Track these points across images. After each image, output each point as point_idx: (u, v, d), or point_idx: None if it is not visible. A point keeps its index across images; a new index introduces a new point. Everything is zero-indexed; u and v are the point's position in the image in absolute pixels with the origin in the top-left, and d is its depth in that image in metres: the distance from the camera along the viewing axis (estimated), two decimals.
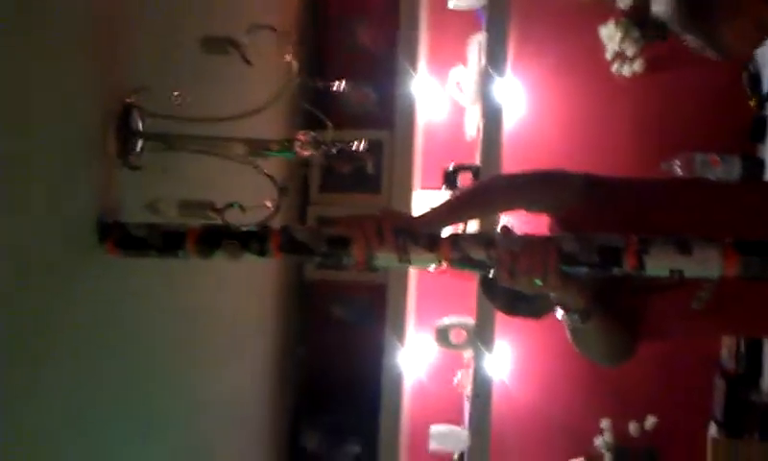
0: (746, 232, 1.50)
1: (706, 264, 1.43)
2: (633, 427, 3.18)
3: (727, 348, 3.01)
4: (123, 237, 1.59)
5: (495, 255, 1.44)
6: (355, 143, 1.88)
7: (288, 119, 2.78)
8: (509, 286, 1.47)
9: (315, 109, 2.09)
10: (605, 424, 3.21)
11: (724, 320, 1.79)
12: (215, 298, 2.35)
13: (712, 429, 2.93)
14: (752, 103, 3.21)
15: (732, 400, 2.84)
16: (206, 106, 1.91)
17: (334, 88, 2.36)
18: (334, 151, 1.89)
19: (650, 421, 3.17)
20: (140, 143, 1.74)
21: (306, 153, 1.81)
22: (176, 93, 1.81)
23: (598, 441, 3.21)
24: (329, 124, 1.89)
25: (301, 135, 1.83)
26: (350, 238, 1.48)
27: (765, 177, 3.12)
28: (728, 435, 2.81)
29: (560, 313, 1.62)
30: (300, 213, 3.36)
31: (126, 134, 1.71)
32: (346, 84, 2.74)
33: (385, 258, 1.48)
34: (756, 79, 3.17)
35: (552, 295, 1.55)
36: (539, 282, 1.43)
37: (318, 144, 1.85)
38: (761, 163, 3.18)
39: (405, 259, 1.49)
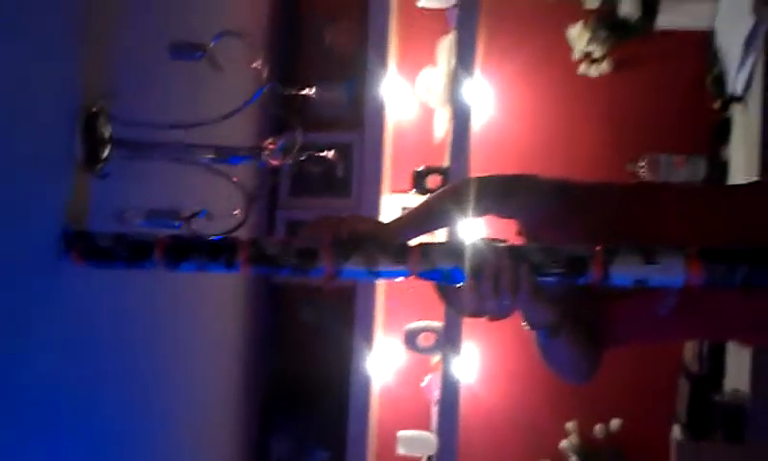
0: (721, 238, 1.51)
1: (670, 273, 1.43)
2: (598, 429, 3.20)
3: (690, 349, 3.04)
4: (89, 248, 1.57)
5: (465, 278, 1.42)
6: (324, 152, 1.88)
7: (258, 125, 2.77)
8: (474, 306, 1.45)
9: (285, 113, 2.09)
10: (570, 426, 3.23)
11: (689, 325, 1.80)
12: (181, 303, 2.32)
13: (676, 431, 2.96)
14: (716, 105, 3.24)
15: (695, 402, 2.86)
16: (175, 112, 1.90)
17: (304, 93, 2.35)
18: (302, 158, 1.89)
19: (615, 423, 3.19)
20: (108, 150, 1.72)
21: (275, 161, 1.81)
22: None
23: (564, 443, 3.23)
24: (299, 130, 1.88)
25: (270, 143, 1.83)
26: (319, 249, 1.46)
27: (729, 178, 3.16)
28: (691, 436, 2.83)
29: (525, 325, 1.61)
30: (269, 218, 3.34)
31: (93, 142, 1.69)
32: (316, 85, 2.73)
33: (353, 271, 1.47)
34: (720, 80, 3.20)
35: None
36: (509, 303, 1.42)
37: (286, 151, 1.85)
38: (725, 165, 3.21)
39: (373, 271, 1.47)
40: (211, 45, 1.82)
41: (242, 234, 1.63)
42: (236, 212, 1.72)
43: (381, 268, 1.47)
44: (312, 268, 1.46)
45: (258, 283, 3.24)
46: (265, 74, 1.87)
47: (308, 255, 1.46)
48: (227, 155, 1.78)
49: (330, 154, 1.98)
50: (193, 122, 1.79)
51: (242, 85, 1.91)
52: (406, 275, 1.49)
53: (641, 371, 3.12)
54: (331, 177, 3.27)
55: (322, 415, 3.20)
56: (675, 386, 3.04)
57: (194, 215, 1.70)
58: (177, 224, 1.71)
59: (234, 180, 1.75)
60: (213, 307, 2.74)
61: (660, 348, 3.02)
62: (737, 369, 2.75)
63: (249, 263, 1.47)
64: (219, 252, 1.48)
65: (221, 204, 1.75)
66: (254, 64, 1.87)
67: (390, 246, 1.49)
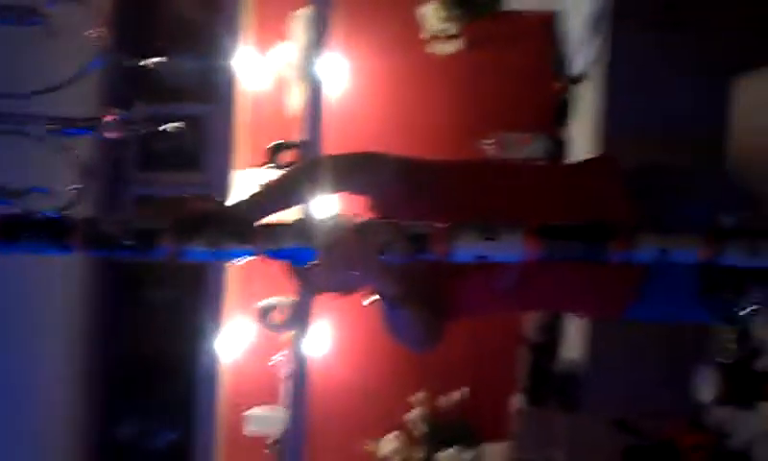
0: (559, 214, 1.56)
1: (510, 249, 1.47)
2: (445, 400, 3.29)
3: (532, 320, 3.16)
4: None
5: (316, 255, 1.43)
6: (168, 125, 1.83)
7: (102, 96, 2.64)
8: (325, 282, 1.46)
9: (129, 84, 2.01)
10: (418, 397, 3.30)
11: (529, 298, 1.86)
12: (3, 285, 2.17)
13: (519, 398, 3.08)
14: (558, 85, 3.35)
15: (535, 370, 2.99)
16: (8, 81, 1.79)
17: (153, 63, 2.27)
18: (146, 130, 1.83)
19: (461, 393, 3.28)
20: None
21: (114, 133, 1.74)
22: None
23: (412, 414, 3.30)
24: (137, 103, 1.83)
25: (109, 115, 1.76)
26: (160, 230, 1.41)
27: (569, 156, 3.29)
28: (531, 403, 2.96)
29: (371, 299, 1.64)
30: (117, 194, 3.19)
31: None
32: (167, 56, 2.65)
33: (196, 251, 1.43)
34: (563, 62, 3.31)
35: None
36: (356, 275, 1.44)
37: (128, 124, 1.79)
38: (566, 143, 3.34)
39: (218, 251, 1.44)
40: (48, 10, 1.73)
41: (85, 213, 1.55)
42: (74, 188, 1.65)
43: (226, 248, 1.44)
44: (152, 249, 1.40)
45: (99, 262, 3.09)
46: (107, 43, 1.80)
47: (148, 236, 1.40)
48: (62, 126, 1.69)
49: (178, 126, 1.93)
50: (26, 92, 1.70)
51: (84, 55, 1.83)
52: (252, 255, 1.47)
53: (487, 342, 3.22)
54: (182, 151, 3.18)
55: (170, 397, 3.13)
56: (518, 356, 3.16)
57: (27, 191, 1.61)
58: (8, 201, 1.61)
59: (71, 153, 1.67)
60: (44, 289, 2.58)
61: (506, 319, 3.13)
62: (574, 339, 2.88)
63: (83, 245, 1.39)
64: (51, 233, 1.40)
65: (58, 179, 1.67)
66: (96, 32, 1.79)
67: (235, 225, 1.46)
